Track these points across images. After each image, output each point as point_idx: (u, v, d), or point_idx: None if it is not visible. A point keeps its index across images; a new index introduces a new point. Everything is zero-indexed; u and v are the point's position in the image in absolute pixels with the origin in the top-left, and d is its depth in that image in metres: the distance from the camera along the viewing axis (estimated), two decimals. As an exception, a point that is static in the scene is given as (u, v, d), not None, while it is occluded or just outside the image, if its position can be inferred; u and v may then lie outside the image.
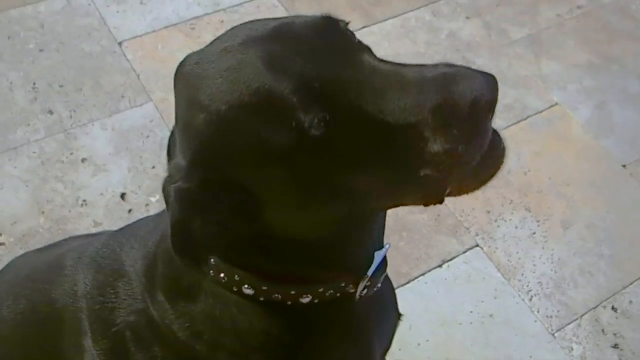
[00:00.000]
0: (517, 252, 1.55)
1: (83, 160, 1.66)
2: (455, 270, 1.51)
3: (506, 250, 1.55)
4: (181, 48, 1.92)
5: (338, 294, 0.72)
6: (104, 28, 1.97)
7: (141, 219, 0.95)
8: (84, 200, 1.58)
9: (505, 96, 1.84)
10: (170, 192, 0.60)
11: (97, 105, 1.77)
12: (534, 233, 1.59)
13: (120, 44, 1.92)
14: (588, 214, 1.64)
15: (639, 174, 1.73)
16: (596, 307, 1.48)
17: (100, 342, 0.84)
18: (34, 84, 1.80)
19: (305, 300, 0.71)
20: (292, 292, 0.70)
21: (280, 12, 2.04)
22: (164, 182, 0.63)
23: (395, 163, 0.57)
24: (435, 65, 0.58)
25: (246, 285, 0.69)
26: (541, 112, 1.84)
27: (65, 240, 1.11)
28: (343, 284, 0.72)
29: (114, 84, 1.82)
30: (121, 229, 0.93)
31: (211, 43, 0.64)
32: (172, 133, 0.70)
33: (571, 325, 1.45)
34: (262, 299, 0.70)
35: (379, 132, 0.56)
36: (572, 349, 1.41)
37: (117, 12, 2.01)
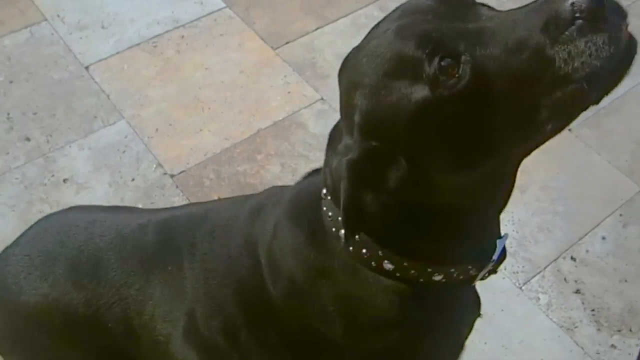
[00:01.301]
0: (481, 219, 1.67)
1: (65, 180, 1.74)
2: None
3: (470, 218, 1.68)
4: (146, 66, 2.02)
5: (462, 277, 0.78)
6: (70, 54, 2.05)
7: (252, 195, 0.98)
8: (71, 217, 1.66)
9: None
10: (342, 166, 0.66)
11: (71, 128, 1.86)
12: (494, 199, 1.71)
13: (87, 68, 2.01)
14: (541, 177, 1.77)
15: (584, 136, 1.87)
16: (557, 259, 1.61)
17: (212, 320, 0.89)
18: (8, 114, 1.88)
19: (437, 278, 0.76)
20: (429, 270, 0.75)
21: (237, 23, 2.14)
22: (338, 163, 0.69)
23: (534, 93, 0.60)
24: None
25: (387, 261, 0.74)
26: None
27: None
28: (470, 267, 0.78)
29: (86, 106, 1.91)
30: (230, 200, 1.00)
31: (368, 33, 0.72)
32: (335, 127, 0.76)
33: (536, 278, 1.57)
34: (398, 274, 0.75)
35: (506, 68, 0.60)
36: (539, 299, 1.54)
37: (81, 38, 2.10)
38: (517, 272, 1.58)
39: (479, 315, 0.97)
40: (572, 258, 1.61)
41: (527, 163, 1.90)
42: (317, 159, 1.76)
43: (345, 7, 2.22)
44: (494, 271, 0.82)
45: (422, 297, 0.78)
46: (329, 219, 0.76)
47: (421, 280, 0.75)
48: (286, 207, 0.84)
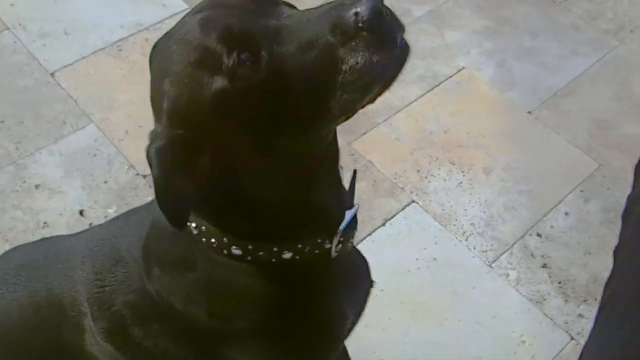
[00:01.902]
0: (449, 201, 1.73)
1: (37, 186, 1.74)
2: (397, 226, 1.68)
3: (439, 201, 1.73)
4: (112, 70, 2.02)
5: (316, 251, 0.81)
6: (34, 62, 2.05)
7: (132, 209, 1.04)
8: (45, 223, 1.67)
9: (416, 68, 2.03)
10: (151, 152, 0.70)
11: (40, 134, 1.86)
12: (461, 182, 1.77)
13: (52, 74, 2.01)
14: (504, 158, 1.84)
15: (543, 117, 1.94)
16: (523, 236, 1.67)
17: (100, 322, 0.93)
18: (-25, 124, 1.87)
19: (287, 256, 0.79)
20: (275, 250, 0.79)
21: (200, 23, 2.17)
22: (147, 149, 0.72)
23: (321, 87, 0.66)
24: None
25: (234, 247, 0.78)
26: (451, 77, 2.03)
27: (52, 237, 1.19)
28: (319, 240, 0.81)
29: (54, 112, 1.91)
30: (114, 219, 1.02)
31: (178, 22, 0.74)
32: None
33: (504, 255, 1.63)
34: (249, 258, 0.79)
35: (297, 64, 0.65)
36: (509, 275, 1.60)
37: (44, 45, 2.10)
38: (486, 251, 1.64)
39: (371, 283, 1.01)
40: (537, 234, 1.67)
41: (490, 145, 1.97)
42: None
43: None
44: (347, 242, 0.85)
45: (281, 276, 0.82)
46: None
47: (273, 260, 0.79)
48: (152, 207, 0.89)
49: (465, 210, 1.72)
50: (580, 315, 1.53)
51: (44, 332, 0.99)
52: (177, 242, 0.84)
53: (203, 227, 0.78)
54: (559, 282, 1.59)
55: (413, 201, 1.73)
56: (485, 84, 2.02)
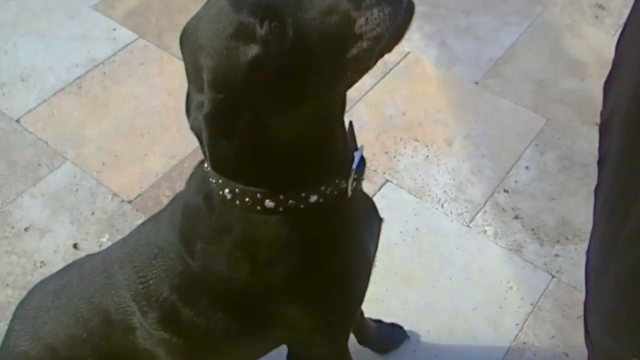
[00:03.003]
0: (420, 175, 1.85)
1: (26, 229, 1.79)
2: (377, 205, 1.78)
3: (411, 176, 1.85)
4: (76, 107, 2.08)
5: (335, 192, 0.90)
6: (-3, 113, 2.09)
7: (157, 212, 1.11)
8: (42, 262, 1.71)
9: (366, 59, 2.15)
10: (200, 120, 0.77)
11: (18, 179, 1.90)
12: (427, 156, 1.90)
13: (18, 121, 2.05)
14: (462, 128, 1.97)
15: (489, 86, 2.09)
16: (492, 194, 1.81)
17: (151, 313, 1.00)
18: (-49, 180, 1.90)
19: (313, 199, 0.87)
20: (303, 195, 0.87)
21: (153, 50, 2.24)
22: (192, 121, 0.80)
23: (341, 45, 0.75)
24: None
25: (268, 200, 0.86)
26: (399, 63, 2.16)
27: (80, 259, 1.25)
28: (337, 180, 0.90)
29: (27, 157, 1.96)
30: (142, 224, 1.10)
31: (203, 6, 0.83)
32: (187, 94, 0.87)
33: (479, 214, 1.76)
34: (281, 209, 0.87)
35: (321, 27, 0.74)
36: (486, 231, 1.73)
37: (3, 94, 2.14)
38: (462, 213, 1.76)
39: (380, 220, 1.13)
40: (505, 190, 1.81)
41: (447, 119, 2.11)
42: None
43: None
44: (359, 179, 0.95)
45: (310, 220, 0.90)
46: (214, 185, 0.89)
47: (302, 206, 0.88)
48: (187, 189, 0.99)
49: (436, 180, 1.84)
50: (556, 255, 1.67)
51: (94, 343, 1.05)
52: (211, 214, 0.92)
53: (237, 189, 0.86)
54: (532, 229, 1.73)
55: (387, 181, 1.84)
56: (432, 64, 2.16)
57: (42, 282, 1.23)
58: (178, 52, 2.36)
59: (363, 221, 1.04)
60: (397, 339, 1.52)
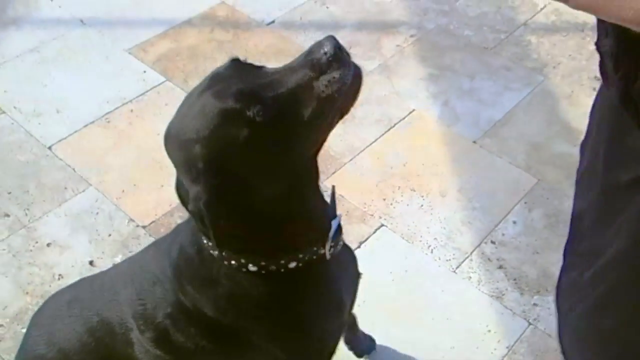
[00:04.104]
0: (413, 222, 1.99)
1: (48, 244, 1.94)
2: (371, 247, 1.92)
3: (405, 222, 1.99)
4: (103, 139, 2.27)
5: (314, 257, 1.03)
6: (31, 139, 2.27)
7: (160, 237, 1.26)
8: (60, 275, 1.87)
9: (373, 113, 2.32)
10: (202, 209, 0.87)
11: (45, 200, 2.07)
12: (422, 205, 2.04)
13: (49, 148, 2.24)
14: (457, 182, 2.11)
15: (486, 145, 2.24)
16: (480, 244, 1.93)
17: (147, 333, 1.14)
18: (-15, 197, 2.08)
19: (292, 264, 1.02)
20: (282, 262, 1.01)
21: (178, 92, 2.44)
22: (192, 208, 0.90)
23: (313, 110, 0.89)
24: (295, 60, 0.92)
25: (251, 264, 1.00)
26: (403, 118, 2.33)
27: (92, 275, 1.40)
28: (315, 248, 1.04)
29: (55, 180, 2.13)
30: (146, 248, 1.25)
31: (178, 110, 0.96)
32: (177, 184, 0.99)
33: (466, 262, 1.89)
34: (263, 272, 1.01)
35: (294, 99, 0.88)
36: (471, 277, 1.85)
37: (39, 124, 2.33)
38: (450, 260, 1.89)
39: (359, 275, 1.25)
40: (492, 242, 1.94)
41: (443, 172, 2.25)
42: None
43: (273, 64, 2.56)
44: (337, 245, 1.09)
45: (289, 280, 1.04)
46: (204, 241, 1.03)
47: (282, 270, 1.01)
48: (184, 231, 1.12)
49: (428, 228, 1.97)
50: (534, 304, 1.78)
51: (100, 351, 1.20)
52: (201, 266, 1.06)
53: (223, 253, 1.00)
54: (514, 279, 1.84)
55: (382, 225, 1.98)
56: (434, 122, 2.32)
57: (57, 293, 1.38)
58: (200, 94, 2.49)
59: (341, 275, 1.17)
60: (370, 346, 1.66)
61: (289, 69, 0.91)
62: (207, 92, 0.91)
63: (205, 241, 1.03)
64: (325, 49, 0.88)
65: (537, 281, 1.84)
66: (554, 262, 1.90)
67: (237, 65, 0.95)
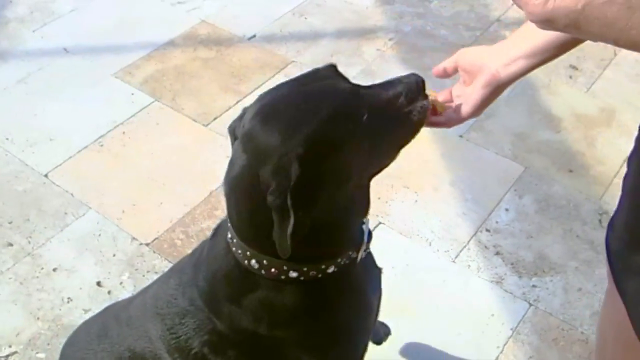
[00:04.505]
0: (410, 217, 2.05)
1: (54, 269, 1.97)
2: (371, 245, 1.97)
3: (402, 219, 2.05)
4: (99, 163, 2.30)
5: (348, 261, 1.05)
6: (27, 168, 2.30)
7: (179, 266, 1.25)
8: (69, 298, 1.89)
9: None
10: (285, 199, 0.88)
11: (47, 227, 2.10)
12: (416, 201, 2.10)
13: (46, 175, 2.27)
14: (448, 176, 2.18)
15: (473, 138, 2.31)
16: (475, 233, 1.99)
17: None
18: (-13, 228, 2.10)
19: (331, 269, 1.02)
20: (323, 267, 1.01)
21: (168, 111, 2.48)
22: (274, 196, 0.89)
23: (400, 122, 1.00)
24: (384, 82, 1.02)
25: (292, 271, 0.99)
26: (390, 119, 2.39)
27: (115, 304, 1.43)
28: (350, 253, 1.06)
29: (55, 207, 2.16)
30: (167, 277, 1.24)
31: (268, 96, 1.01)
32: (242, 174, 0.97)
33: (464, 252, 1.95)
34: (302, 278, 1.00)
35: (391, 116, 0.98)
36: (470, 266, 1.91)
37: (33, 153, 2.36)
38: (449, 251, 1.95)
39: (380, 270, 1.30)
40: (487, 230, 2.00)
41: (434, 168, 2.32)
42: (266, 203, 2.09)
43: (256, 80, 2.61)
44: (367, 249, 1.13)
45: (323, 286, 1.05)
46: (240, 255, 1.03)
47: (320, 275, 1.02)
48: (210, 259, 1.12)
49: (424, 222, 2.03)
50: (533, 286, 1.85)
51: None
52: (238, 281, 1.07)
53: (264, 261, 1.00)
54: (512, 264, 1.90)
55: (380, 223, 2.04)
56: (420, 120, 2.39)
57: (84, 324, 1.40)
58: (190, 113, 2.64)
59: (366, 275, 1.21)
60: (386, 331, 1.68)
61: (383, 87, 1.00)
62: (316, 84, 0.96)
63: (239, 252, 1.03)
64: (417, 79, 1.00)
65: (533, 263, 1.90)
66: (549, 244, 1.97)
67: (336, 70, 1.02)
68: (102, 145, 2.38)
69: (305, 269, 1.01)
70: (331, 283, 1.06)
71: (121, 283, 1.92)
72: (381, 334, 1.67)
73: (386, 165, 1.05)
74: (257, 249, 1.00)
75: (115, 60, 2.73)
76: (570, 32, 0.69)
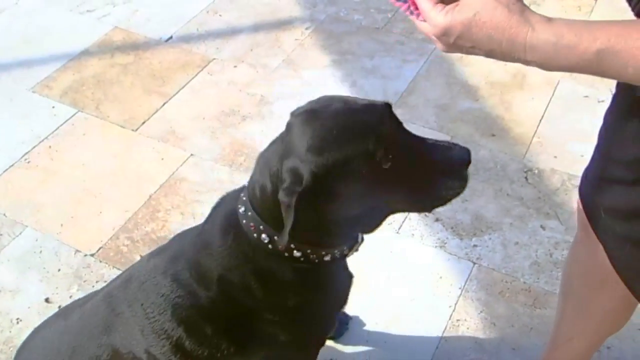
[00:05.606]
0: (350, 196, 2.11)
1: (-3, 292, 1.91)
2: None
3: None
4: (28, 180, 2.24)
5: (339, 255, 1.16)
6: (-49, 194, 2.21)
7: (159, 251, 1.28)
8: (17, 319, 1.84)
9: (290, 107, 2.41)
10: (291, 198, 0.96)
11: (-18, 251, 2.03)
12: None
13: (-27, 199, 2.19)
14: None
15: (399, 115, 2.36)
16: (414, 203, 2.08)
17: (159, 345, 1.17)
18: None
19: (327, 258, 1.13)
20: (323, 253, 1.12)
21: (93, 121, 2.44)
22: (283, 196, 0.98)
23: (421, 187, 1.05)
24: (437, 141, 1.08)
25: (296, 250, 1.09)
26: (318, 105, 2.45)
27: (71, 304, 1.42)
28: (344, 248, 1.17)
29: (-12, 229, 2.09)
30: (139, 266, 1.26)
31: (323, 101, 1.09)
32: (265, 154, 1.08)
33: (406, 222, 2.03)
34: (302, 258, 1.10)
35: (418, 172, 1.03)
36: (414, 234, 1.99)
37: (-45, 177, 2.27)
38: (391, 223, 2.03)
39: (352, 277, 1.36)
40: (424, 199, 2.09)
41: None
42: (208, 200, 2.09)
43: (179, 81, 2.60)
44: (357, 249, 1.23)
45: (316, 270, 1.15)
46: (251, 228, 1.10)
47: (317, 260, 1.12)
48: (208, 232, 1.18)
49: (364, 199, 2.10)
50: (474, 246, 1.95)
51: None
52: (237, 249, 1.13)
53: (275, 237, 1.08)
54: (452, 228, 2.00)
55: (322, 205, 2.09)
56: (347, 103, 2.45)
57: (42, 326, 1.41)
58: (116, 119, 2.59)
59: (342, 273, 1.31)
60: (345, 321, 1.76)
61: (429, 146, 1.07)
62: (362, 117, 1.03)
63: (252, 226, 1.09)
64: (466, 157, 1.04)
65: (471, 225, 2.01)
66: (483, 205, 2.08)
67: (389, 109, 1.11)
68: (28, 162, 2.31)
69: (308, 251, 1.10)
70: (322, 270, 1.16)
71: (71, 296, 1.88)
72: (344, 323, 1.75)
73: (403, 211, 1.16)
74: (271, 224, 1.07)
75: (29, 75, 2.65)
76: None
